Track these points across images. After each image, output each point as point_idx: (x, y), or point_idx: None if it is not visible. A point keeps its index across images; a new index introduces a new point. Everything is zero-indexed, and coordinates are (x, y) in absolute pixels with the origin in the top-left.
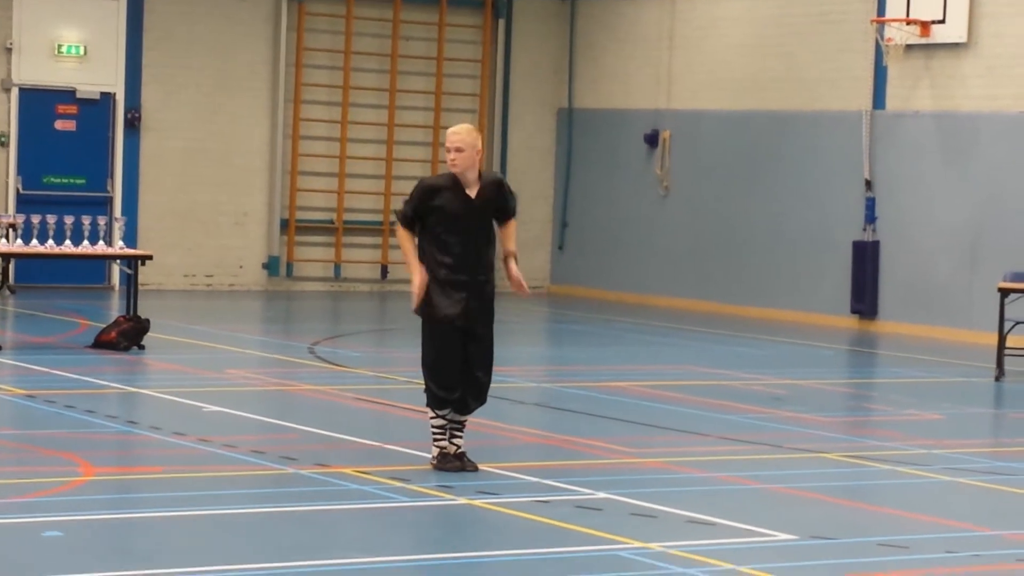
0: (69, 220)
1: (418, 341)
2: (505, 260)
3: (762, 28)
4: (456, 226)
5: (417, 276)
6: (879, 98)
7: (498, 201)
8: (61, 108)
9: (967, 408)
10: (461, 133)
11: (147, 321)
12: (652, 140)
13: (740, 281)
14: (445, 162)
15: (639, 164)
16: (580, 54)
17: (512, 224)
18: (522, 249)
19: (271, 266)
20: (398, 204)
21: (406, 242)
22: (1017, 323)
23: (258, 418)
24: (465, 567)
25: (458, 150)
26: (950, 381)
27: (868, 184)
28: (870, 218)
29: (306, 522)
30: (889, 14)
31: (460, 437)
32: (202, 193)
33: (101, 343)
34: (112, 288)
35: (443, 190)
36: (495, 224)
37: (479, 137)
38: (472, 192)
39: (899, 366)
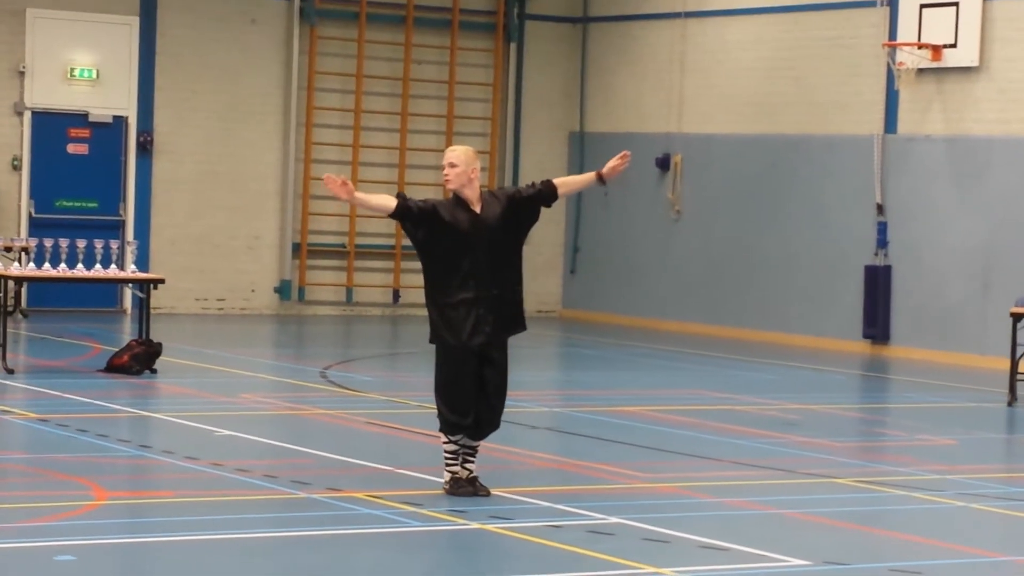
0: (81, 244)
1: (430, 366)
2: (598, 176)
3: (773, 52)
4: (465, 242)
5: (358, 194)
6: (891, 122)
7: (512, 205)
8: (73, 132)
9: (980, 433)
10: (457, 151)
11: (159, 345)
12: (664, 164)
13: (752, 305)
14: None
15: (651, 188)
16: (591, 78)
17: (559, 179)
18: (534, 273)
19: (283, 290)
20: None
21: (378, 196)
22: None
23: (270, 442)
24: None
25: (452, 165)
26: (963, 406)
27: (880, 208)
28: (882, 242)
29: (318, 546)
30: (901, 38)
31: (472, 462)
32: (214, 217)
33: (114, 367)
34: (124, 312)
35: (449, 207)
36: (558, 196)
37: (476, 159)
38: (477, 208)
39: (911, 391)
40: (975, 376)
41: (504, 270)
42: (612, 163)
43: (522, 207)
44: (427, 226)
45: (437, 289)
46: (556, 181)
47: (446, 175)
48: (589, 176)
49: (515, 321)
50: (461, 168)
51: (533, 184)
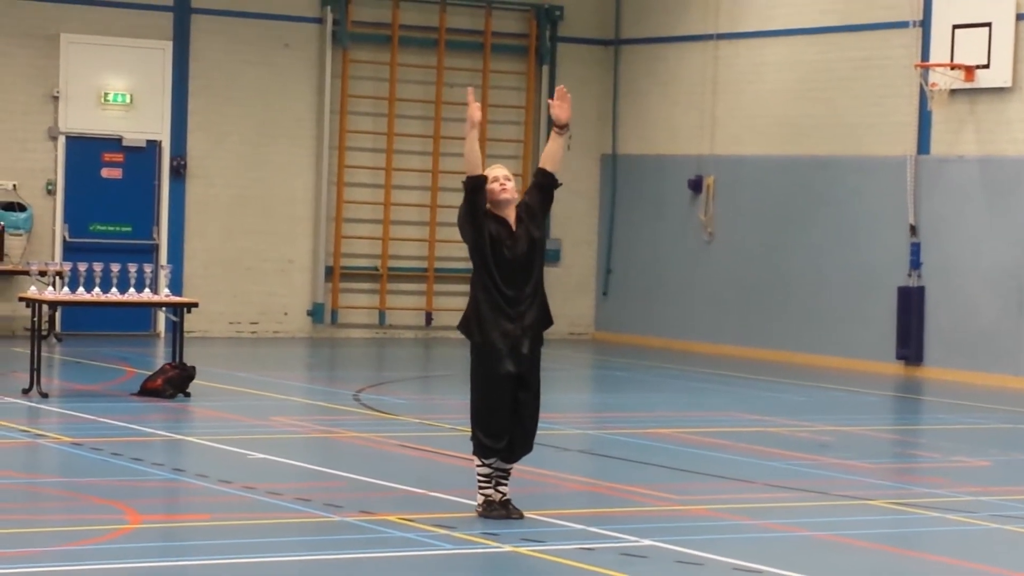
0: (115, 268)
1: (463, 388)
2: (555, 128)
3: (805, 73)
4: (501, 259)
5: (475, 134)
6: (923, 143)
7: (534, 215)
8: (107, 156)
9: (1015, 455)
10: (506, 170)
11: (193, 368)
12: (696, 186)
13: (785, 327)
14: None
15: (683, 210)
16: (624, 100)
17: (542, 160)
18: (566, 295)
19: (316, 313)
20: (443, 251)
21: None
22: None
23: (303, 465)
24: None
25: (507, 179)
26: (997, 427)
27: (913, 229)
28: (915, 263)
29: (351, 570)
30: (933, 59)
31: (505, 484)
32: (247, 240)
33: (147, 391)
34: (158, 335)
35: (495, 219)
36: (555, 173)
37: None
38: (514, 228)
39: (945, 412)
40: (1009, 397)
41: (533, 277)
42: (553, 105)
43: (540, 210)
44: (484, 216)
45: (477, 282)
46: (542, 163)
47: (503, 187)
48: (552, 136)
49: (544, 320)
50: (513, 183)
51: (532, 184)
